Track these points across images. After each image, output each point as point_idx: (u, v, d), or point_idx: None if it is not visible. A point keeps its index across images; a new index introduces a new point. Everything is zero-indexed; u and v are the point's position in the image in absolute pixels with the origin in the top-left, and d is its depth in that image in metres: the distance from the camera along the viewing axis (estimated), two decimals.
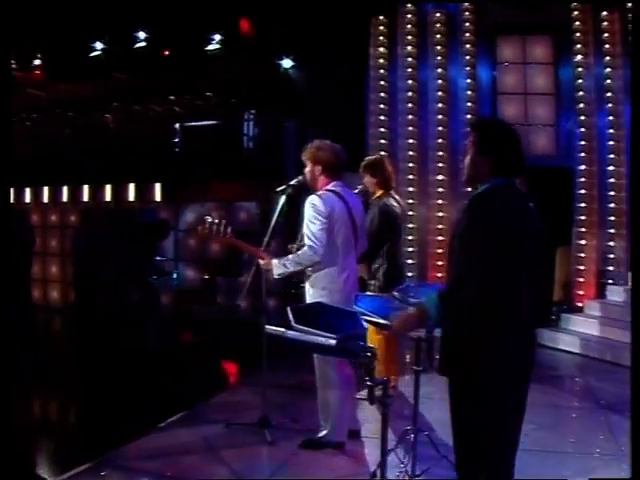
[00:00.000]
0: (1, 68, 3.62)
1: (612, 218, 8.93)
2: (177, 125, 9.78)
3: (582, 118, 9.20)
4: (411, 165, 8.95)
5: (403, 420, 5.16)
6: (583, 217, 8.80)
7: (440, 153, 8.94)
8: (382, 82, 9.19)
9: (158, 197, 10.00)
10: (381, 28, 9.39)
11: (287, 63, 9.80)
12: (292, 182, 4.67)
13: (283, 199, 4.63)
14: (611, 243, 8.84)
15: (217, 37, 9.66)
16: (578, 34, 9.50)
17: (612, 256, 8.86)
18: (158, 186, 9.92)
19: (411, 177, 8.92)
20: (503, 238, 2.58)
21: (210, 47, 9.75)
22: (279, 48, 9.61)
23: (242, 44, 9.53)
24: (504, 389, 2.68)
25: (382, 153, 8.26)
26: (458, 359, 2.71)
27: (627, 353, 6.63)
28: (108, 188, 10.70)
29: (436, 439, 4.20)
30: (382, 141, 8.94)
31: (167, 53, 9.94)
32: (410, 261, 8.67)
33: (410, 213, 8.68)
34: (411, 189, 8.90)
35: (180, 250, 9.91)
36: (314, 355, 4.45)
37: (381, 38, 9.39)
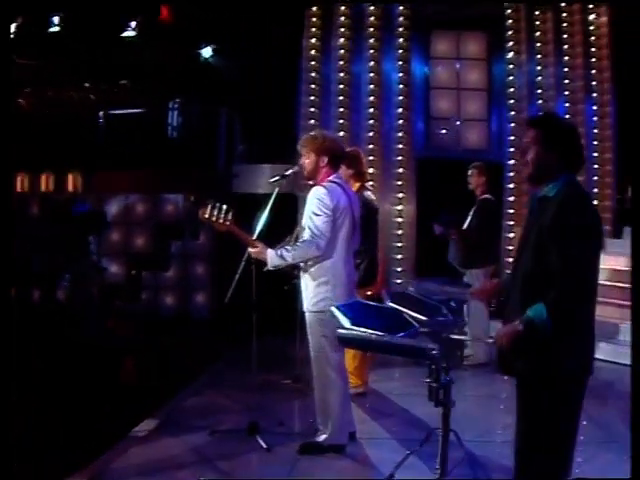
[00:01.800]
0: None
1: None
2: (101, 113, 9.45)
3: (513, 114, 9.37)
4: None
5: (392, 418, 5.30)
6: (512, 210, 8.99)
7: (371, 146, 8.96)
8: (314, 74, 9.16)
9: (79, 187, 9.64)
10: (314, 20, 9.33)
11: (206, 52, 9.59)
12: (287, 172, 4.68)
13: (276, 190, 4.58)
14: None
15: (134, 23, 9.33)
16: (511, 31, 9.73)
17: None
18: (78, 176, 9.56)
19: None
20: (595, 238, 2.74)
21: (127, 33, 9.42)
22: (202, 36, 9.41)
23: (161, 31, 9.28)
24: (582, 386, 2.80)
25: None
26: (548, 357, 2.73)
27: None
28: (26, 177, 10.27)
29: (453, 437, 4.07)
30: (312, 133, 8.79)
31: (82, 38, 9.57)
32: None
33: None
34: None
35: (103, 243, 9.56)
36: (312, 354, 4.37)
37: (314, 30, 9.35)
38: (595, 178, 9.64)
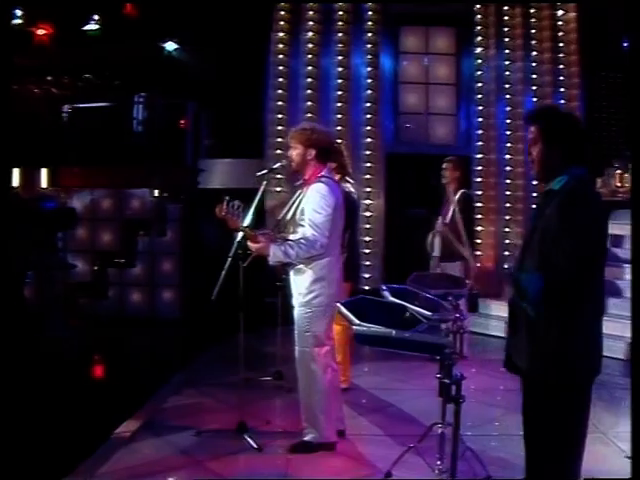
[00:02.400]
0: None
1: (508, 205, 9.19)
2: (65, 107, 9.31)
3: (481, 108, 9.42)
4: None
5: (379, 414, 5.22)
6: (480, 204, 9.03)
7: (339, 141, 8.83)
8: (282, 68, 9.12)
9: (44, 183, 9.48)
10: (283, 13, 9.30)
11: (170, 46, 9.50)
12: (274, 166, 4.57)
13: (264, 184, 4.46)
14: (507, 229, 9.06)
15: (96, 17, 9.21)
16: (480, 27, 9.81)
17: (508, 242, 9.08)
18: (43, 171, 9.41)
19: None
20: (603, 233, 2.72)
21: (89, 27, 9.29)
22: (168, 29, 9.32)
23: (125, 24, 9.18)
24: (590, 385, 2.79)
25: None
26: (552, 354, 2.71)
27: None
28: None
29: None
30: (280, 127, 8.84)
31: (44, 31, 9.43)
32: None
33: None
34: (279, 176, 8.82)
35: (69, 240, 9.41)
36: (296, 350, 4.31)
37: (282, 23, 9.31)
38: None
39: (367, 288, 8.39)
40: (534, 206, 3.18)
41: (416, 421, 4.93)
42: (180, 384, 6.03)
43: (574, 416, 2.77)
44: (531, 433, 2.84)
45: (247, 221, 4.28)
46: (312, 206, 4.10)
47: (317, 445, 4.31)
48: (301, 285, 4.21)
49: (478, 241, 8.82)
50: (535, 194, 9.56)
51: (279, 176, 8.17)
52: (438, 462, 3.77)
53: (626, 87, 3.23)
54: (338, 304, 3.68)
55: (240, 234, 4.27)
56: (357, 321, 3.23)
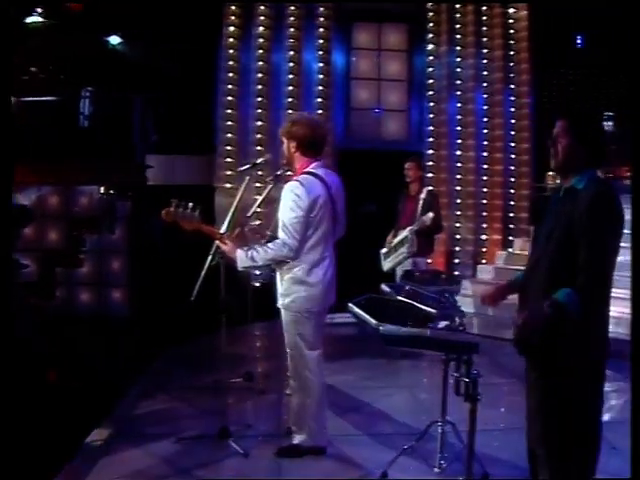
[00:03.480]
0: None
1: (459, 200, 9.24)
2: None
3: (432, 104, 9.48)
4: (259, 148, 8.91)
5: (358, 413, 5.16)
6: None
7: None
8: (232, 62, 9.05)
9: None
10: (234, 8, 9.25)
11: (114, 39, 9.35)
12: (257, 161, 4.43)
13: (246, 180, 4.28)
14: (458, 225, 9.12)
15: (40, 10, 9.00)
16: (431, 23, 9.91)
17: (459, 237, 9.15)
18: None
19: (258, 160, 8.75)
20: (621, 232, 2.77)
21: (33, 19, 9.07)
22: (115, 23, 9.17)
23: (71, 17, 9.00)
24: (604, 369, 2.85)
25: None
26: (578, 344, 2.76)
27: (503, 327, 7.01)
28: None
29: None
30: (229, 123, 8.76)
31: None
32: None
33: (258, 197, 8.54)
34: (261, 173, 8.71)
35: (15, 238, 9.17)
36: (289, 355, 4.17)
37: (233, 18, 9.24)
38: (512, 167, 9.85)
39: None
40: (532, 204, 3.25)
41: (395, 420, 4.95)
42: (147, 388, 5.82)
43: (595, 400, 2.85)
44: (552, 420, 2.84)
45: (227, 220, 4.16)
46: (282, 207, 3.94)
47: (306, 449, 4.21)
48: (282, 287, 4.09)
49: None
50: (485, 189, 9.70)
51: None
52: (442, 461, 3.75)
53: (630, 89, 3.30)
54: (350, 305, 3.59)
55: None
56: (375, 322, 3.23)
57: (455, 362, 3.06)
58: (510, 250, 9.31)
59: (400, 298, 3.66)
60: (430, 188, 7.25)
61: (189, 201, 4.12)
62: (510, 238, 9.71)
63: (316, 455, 4.20)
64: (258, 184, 8.79)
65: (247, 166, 4.37)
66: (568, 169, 2.88)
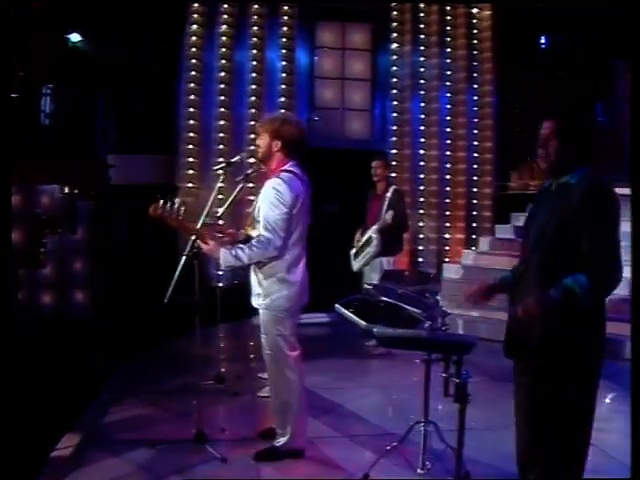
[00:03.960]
0: None
1: (422, 199, 9.30)
2: None
3: (396, 103, 9.52)
4: (221, 147, 8.88)
5: (332, 415, 5.09)
6: None
7: (253, 136, 8.84)
8: (195, 61, 8.97)
9: None
10: (197, 6, 9.19)
11: (74, 37, 9.24)
12: (233, 159, 4.27)
13: (221, 178, 4.18)
14: (421, 224, 9.18)
15: None
16: (396, 23, 9.94)
17: (422, 236, 9.20)
18: None
19: (221, 160, 8.69)
20: (619, 220, 2.77)
21: None
22: (77, 20, 9.05)
23: (32, 14, 8.86)
24: (601, 369, 2.86)
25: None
26: (579, 339, 2.77)
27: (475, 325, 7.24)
28: None
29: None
30: (192, 122, 8.72)
31: None
32: None
33: (220, 197, 8.51)
34: (221, 171, 8.67)
35: None
36: (269, 356, 4.09)
37: (196, 16, 9.18)
38: (475, 166, 9.94)
39: None
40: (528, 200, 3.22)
41: (371, 421, 4.93)
42: (115, 392, 5.65)
43: (591, 399, 2.85)
44: (547, 416, 2.85)
45: (202, 220, 4.05)
46: (266, 204, 3.87)
47: (285, 451, 4.15)
48: (260, 287, 4.02)
49: None
50: (448, 188, 9.78)
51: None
52: (427, 462, 3.71)
53: (632, 89, 3.25)
54: (337, 306, 3.57)
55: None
56: (365, 323, 3.25)
57: (444, 362, 3.04)
58: (473, 248, 9.41)
59: (384, 299, 3.64)
60: (396, 187, 7.24)
61: (151, 201, 4.10)
62: (473, 237, 9.82)
63: (295, 458, 4.15)
64: (221, 184, 8.79)
65: (222, 165, 4.28)
66: (561, 169, 2.89)
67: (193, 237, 4.01)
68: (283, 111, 6.31)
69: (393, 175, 9.27)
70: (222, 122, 8.79)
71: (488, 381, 5.69)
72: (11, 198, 3.87)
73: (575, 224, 2.73)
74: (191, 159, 8.73)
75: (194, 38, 9.13)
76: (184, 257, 4.03)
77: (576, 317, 2.73)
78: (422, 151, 9.61)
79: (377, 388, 5.86)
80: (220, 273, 8.33)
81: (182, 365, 6.14)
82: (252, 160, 4.24)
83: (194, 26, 9.15)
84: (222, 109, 8.90)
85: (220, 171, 4.20)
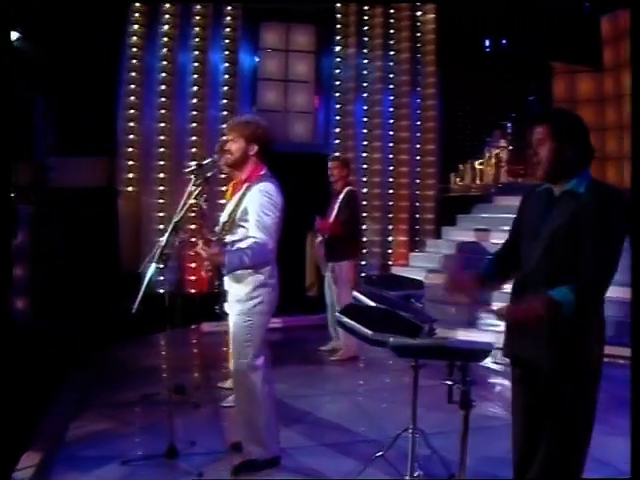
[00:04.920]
0: None
1: (365, 202, 9.37)
2: None
3: (339, 106, 9.57)
4: (162, 150, 8.78)
5: (303, 423, 5.00)
6: None
7: (194, 138, 8.83)
8: (136, 61, 8.84)
9: None
10: (138, 5, 9.04)
11: (12, 36, 9.00)
12: (204, 162, 4.09)
13: (192, 181, 3.96)
14: (364, 227, 9.27)
15: None
16: (340, 25, 9.97)
17: (365, 239, 9.28)
18: None
19: (162, 163, 8.70)
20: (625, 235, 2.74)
21: None
22: (15, 19, 8.82)
23: None
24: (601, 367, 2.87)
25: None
26: (575, 348, 2.78)
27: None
28: None
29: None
30: (132, 124, 8.59)
31: None
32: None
33: (160, 201, 8.46)
34: (162, 175, 8.62)
35: None
36: (235, 364, 3.97)
37: (137, 15, 9.02)
38: (418, 169, 10.06)
39: None
40: (519, 206, 3.18)
41: (343, 428, 4.89)
42: (70, 405, 5.39)
43: (591, 406, 2.87)
44: (554, 422, 2.85)
45: (171, 227, 3.93)
46: (259, 207, 3.80)
47: (263, 462, 4.03)
48: (240, 292, 3.92)
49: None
50: (391, 191, 9.87)
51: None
52: (419, 470, 3.64)
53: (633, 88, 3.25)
54: (340, 315, 3.47)
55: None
56: (370, 332, 3.18)
57: (448, 369, 2.95)
58: (417, 251, 9.53)
59: (378, 305, 3.59)
60: (351, 188, 7.04)
61: (91, 205, 3.99)
62: (417, 239, 9.94)
63: (272, 467, 4.05)
64: (161, 187, 8.72)
65: (192, 167, 4.08)
66: (558, 174, 2.84)
67: (164, 241, 3.91)
68: (251, 115, 6.27)
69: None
70: (163, 124, 8.68)
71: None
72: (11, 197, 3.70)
73: (584, 232, 2.71)
74: (131, 162, 8.59)
75: (135, 38, 8.96)
76: (153, 265, 3.90)
77: (574, 321, 2.70)
78: (365, 154, 9.67)
79: (342, 394, 5.84)
80: (161, 278, 8.22)
81: (134, 375, 6.18)
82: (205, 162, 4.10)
83: (135, 26, 8.98)
84: (163, 111, 8.76)
85: (192, 174, 3.98)
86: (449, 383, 2.94)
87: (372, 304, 3.62)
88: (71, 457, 4.39)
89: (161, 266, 3.91)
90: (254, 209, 3.81)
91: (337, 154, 7.74)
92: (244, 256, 3.73)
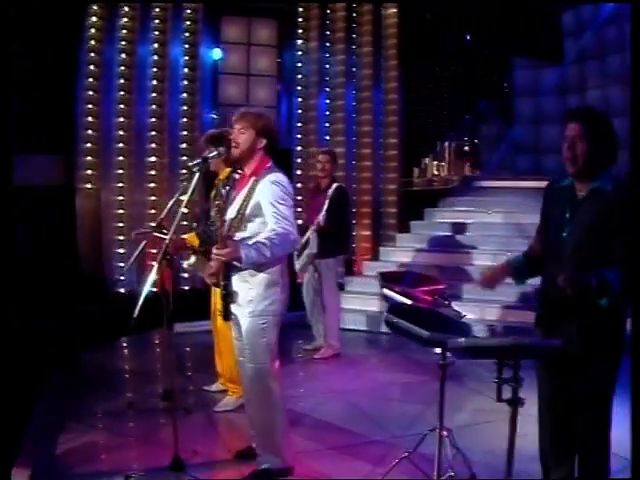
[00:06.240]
0: None
1: None
2: None
3: (301, 100, 9.55)
4: (121, 146, 8.62)
5: (296, 425, 4.66)
6: (299, 197, 9.10)
7: (154, 133, 8.73)
8: (94, 54, 8.67)
9: None
10: None
11: None
12: (210, 155, 3.93)
13: (197, 176, 3.78)
14: None
15: None
16: (301, 19, 9.92)
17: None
18: None
19: (121, 158, 8.58)
20: None
21: None
22: None
23: None
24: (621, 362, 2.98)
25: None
26: (611, 331, 2.92)
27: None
28: None
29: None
30: (90, 119, 8.43)
31: None
32: (122, 250, 8.38)
33: (120, 198, 8.34)
34: (121, 171, 8.51)
35: None
36: (250, 369, 3.76)
37: (96, 8, 8.84)
38: (381, 163, 10.10)
39: None
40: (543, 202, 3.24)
41: (343, 429, 4.72)
42: (53, 415, 5.04)
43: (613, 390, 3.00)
44: (590, 412, 2.95)
45: (174, 224, 3.78)
46: (274, 198, 3.64)
47: (277, 471, 3.82)
48: (251, 292, 3.71)
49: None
50: (354, 185, 9.89)
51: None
52: (450, 471, 3.50)
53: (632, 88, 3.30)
54: (391, 316, 3.37)
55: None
56: (428, 333, 3.14)
57: (498, 367, 2.83)
58: (388, 245, 9.51)
59: (415, 305, 3.54)
60: (340, 184, 6.89)
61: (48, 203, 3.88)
62: (380, 233, 9.97)
63: (286, 476, 3.84)
64: (120, 184, 8.60)
65: (198, 161, 3.90)
66: (589, 173, 2.95)
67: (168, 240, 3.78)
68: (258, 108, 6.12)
69: (299, 173, 9.32)
70: (122, 119, 8.54)
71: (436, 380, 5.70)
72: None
73: (614, 230, 2.84)
74: (90, 158, 8.41)
75: (93, 31, 8.75)
76: (155, 266, 3.76)
77: (608, 311, 2.81)
78: (328, 148, 9.66)
79: (334, 394, 5.67)
80: (122, 278, 8.16)
81: (115, 380, 5.97)
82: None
83: (93, 18, 8.80)
84: (122, 106, 8.59)
85: (195, 169, 3.77)
86: (496, 381, 2.85)
87: (409, 302, 3.54)
88: (64, 473, 4.08)
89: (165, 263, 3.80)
90: (268, 201, 3.67)
91: (328, 148, 7.62)
92: (263, 248, 3.56)
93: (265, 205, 3.66)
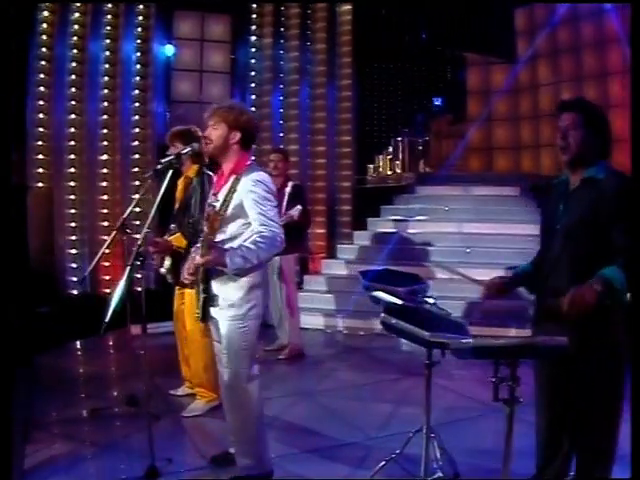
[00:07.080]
0: None
1: None
2: None
3: (255, 97, 9.60)
4: (72, 144, 8.55)
5: (268, 428, 4.41)
6: None
7: (105, 130, 8.69)
8: (45, 50, 8.57)
9: None
10: None
11: None
12: (183, 151, 3.82)
13: (170, 173, 3.68)
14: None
15: None
16: (255, 15, 9.93)
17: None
18: None
19: (72, 157, 8.50)
20: None
21: None
22: None
23: None
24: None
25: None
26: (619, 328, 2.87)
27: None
28: None
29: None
30: (41, 116, 8.34)
31: None
32: (74, 251, 8.32)
33: (72, 197, 8.30)
34: (73, 170, 8.45)
35: None
36: (228, 372, 3.64)
37: (47, 3, 8.69)
38: (335, 160, 10.21)
39: None
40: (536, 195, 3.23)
41: (315, 432, 4.61)
42: (18, 425, 4.43)
43: (621, 383, 2.94)
44: (601, 407, 2.91)
45: (147, 223, 3.66)
46: (258, 198, 3.50)
47: (257, 477, 3.72)
48: (233, 296, 3.58)
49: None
50: (309, 183, 9.98)
51: None
52: (439, 472, 3.48)
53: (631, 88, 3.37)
54: (388, 317, 3.35)
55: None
56: (428, 334, 3.10)
57: (494, 366, 2.81)
58: (344, 242, 9.56)
59: (408, 304, 3.49)
60: (297, 182, 6.92)
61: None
62: (335, 230, 10.07)
63: None
64: (72, 182, 8.54)
65: (170, 157, 3.79)
66: (582, 161, 2.95)
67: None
68: (233, 100, 5.92)
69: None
70: (74, 116, 8.47)
71: (406, 378, 5.68)
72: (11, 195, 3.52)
73: (608, 219, 2.80)
74: (41, 156, 8.31)
75: (44, 25, 8.65)
76: (128, 268, 3.62)
77: (614, 308, 2.78)
78: (281, 146, 9.70)
79: (303, 395, 5.54)
80: (74, 279, 8.12)
81: (74, 385, 5.75)
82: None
83: (45, 13, 8.69)
84: (73, 102, 8.51)
85: (168, 166, 3.72)
86: (493, 380, 2.82)
87: (400, 302, 3.50)
88: None
89: (138, 264, 3.65)
90: (253, 201, 3.51)
91: (280, 146, 7.63)
92: (248, 253, 3.44)
93: (248, 205, 3.52)
